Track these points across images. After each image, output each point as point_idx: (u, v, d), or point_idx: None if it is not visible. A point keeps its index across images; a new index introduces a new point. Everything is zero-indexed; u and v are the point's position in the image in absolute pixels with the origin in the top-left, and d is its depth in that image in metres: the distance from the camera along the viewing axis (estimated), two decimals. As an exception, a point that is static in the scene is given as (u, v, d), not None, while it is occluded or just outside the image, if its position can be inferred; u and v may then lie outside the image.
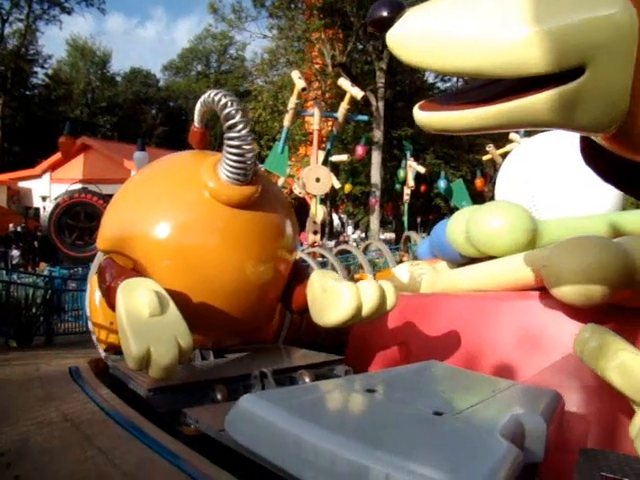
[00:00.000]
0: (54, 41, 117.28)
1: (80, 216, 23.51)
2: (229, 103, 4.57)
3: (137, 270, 4.99)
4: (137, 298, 4.11)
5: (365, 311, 4.84)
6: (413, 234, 16.95)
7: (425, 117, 2.18)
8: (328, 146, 18.93)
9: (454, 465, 2.06)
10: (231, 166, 4.75)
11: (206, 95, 4.81)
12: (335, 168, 28.01)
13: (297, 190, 19.91)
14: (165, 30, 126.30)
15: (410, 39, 2.05)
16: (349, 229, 36.52)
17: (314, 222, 15.99)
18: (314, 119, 16.85)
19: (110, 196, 5.95)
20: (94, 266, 6.20)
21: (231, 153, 4.72)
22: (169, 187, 5.08)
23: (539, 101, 2.01)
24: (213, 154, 5.25)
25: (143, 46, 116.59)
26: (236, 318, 5.11)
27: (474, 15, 1.97)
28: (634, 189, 2.56)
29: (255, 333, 5.91)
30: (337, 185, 22.02)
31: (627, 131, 2.07)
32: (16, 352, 8.12)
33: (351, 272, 13.61)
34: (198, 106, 5.14)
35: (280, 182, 22.40)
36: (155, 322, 3.98)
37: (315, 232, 15.97)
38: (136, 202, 5.24)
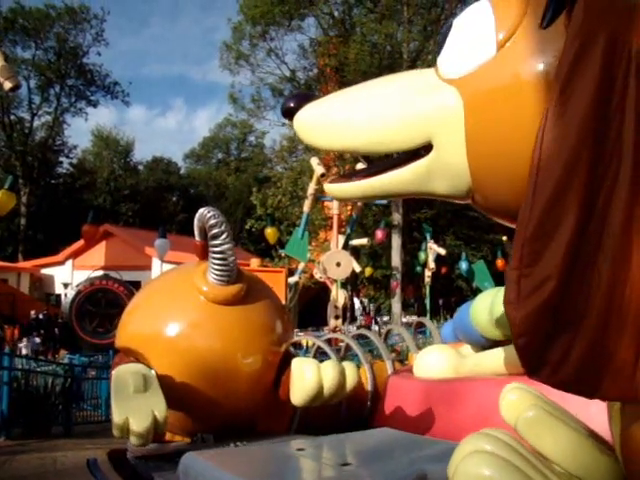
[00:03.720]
0: (79, 131, 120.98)
1: (101, 303, 23.68)
2: (214, 216, 5.24)
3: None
4: (125, 377, 4.73)
5: (326, 391, 5.34)
6: None
7: (332, 188, 2.60)
8: (348, 230, 19.06)
9: None
10: (216, 269, 5.40)
11: (198, 213, 5.45)
12: (355, 252, 28.11)
13: (318, 275, 19.97)
14: (185, 119, 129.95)
15: (303, 125, 2.52)
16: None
17: (335, 307, 15.94)
18: (333, 204, 17.06)
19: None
20: None
21: (215, 258, 5.37)
22: (172, 295, 5.80)
23: (403, 174, 2.39)
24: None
25: (164, 135, 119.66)
26: (228, 405, 5.54)
27: (347, 106, 2.47)
28: None
29: (259, 421, 6.20)
30: (358, 269, 22.00)
31: (478, 200, 2.38)
32: (34, 443, 7.99)
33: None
34: (195, 222, 5.70)
35: (300, 267, 22.53)
36: (137, 397, 4.60)
37: (337, 317, 15.89)
38: (144, 310, 5.96)
